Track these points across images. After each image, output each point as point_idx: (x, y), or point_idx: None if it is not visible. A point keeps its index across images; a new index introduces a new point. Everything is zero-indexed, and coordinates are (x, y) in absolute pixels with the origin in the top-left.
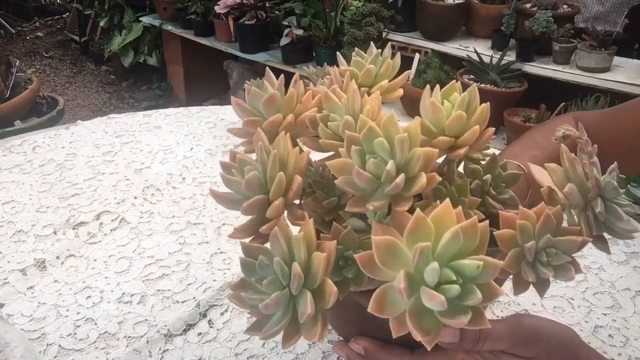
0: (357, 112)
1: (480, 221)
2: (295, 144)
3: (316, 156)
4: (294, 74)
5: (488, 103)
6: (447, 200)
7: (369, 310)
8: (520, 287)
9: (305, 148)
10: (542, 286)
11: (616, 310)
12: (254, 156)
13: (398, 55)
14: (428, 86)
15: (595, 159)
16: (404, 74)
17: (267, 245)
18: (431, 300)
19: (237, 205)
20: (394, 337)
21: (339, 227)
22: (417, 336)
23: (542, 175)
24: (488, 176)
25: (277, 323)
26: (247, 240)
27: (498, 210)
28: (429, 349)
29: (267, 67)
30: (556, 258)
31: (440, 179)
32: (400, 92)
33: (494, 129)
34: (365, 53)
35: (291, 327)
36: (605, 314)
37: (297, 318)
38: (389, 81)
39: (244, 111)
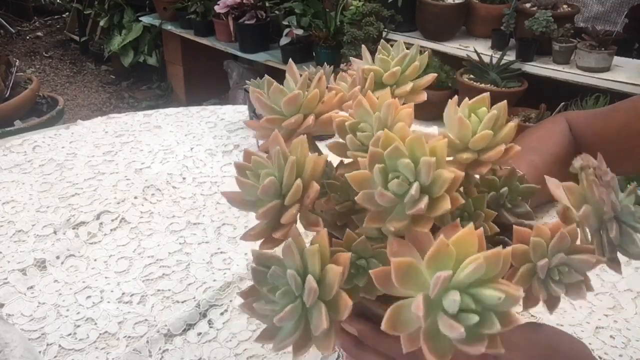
0: (388, 127)
1: (495, 243)
2: (312, 144)
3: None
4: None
5: (516, 122)
6: (471, 224)
7: (382, 328)
8: (530, 302)
9: (324, 151)
10: (552, 303)
11: (618, 311)
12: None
13: (426, 54)
14: (455, 97)
15: (615, 182)
16: (429, 76)
17: (279, 248)
18: (450, 329)
19: (251, 207)
20: (404, 352)
21: (353, 234)
22: (431, 358)
23: (558, 190)
24: (505, 189)
25: (289, 335)
26: (258, 243)
27: (512, 223)
28: None
29: (290, 61)
30: (568, 276)
31: (463, 201)
32: (424, 96)
33: (519, 148)
34: (390, 47)
35: (303, 338)
36: (606, 315)
37: (310, 329)
38: (413, 81)
39: (265, 107)
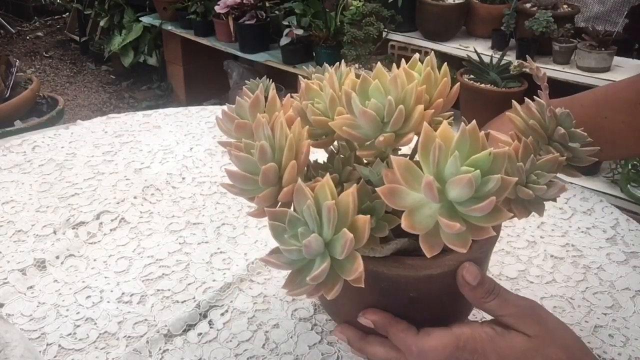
0: (338, 92)
1: None
2: None
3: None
4: (294, 74)
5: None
6: (445, 123)
7: (402, 226)
8: (520, 211)
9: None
10: (538, 206)
11: (616, 310)
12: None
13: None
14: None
15: (546, 86)
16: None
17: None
18: (460, 183)
19: (252, 183)
20: (428, 256)
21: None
22: (449, 244)
23: (501, 133)
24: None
25: (318, 266)
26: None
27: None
28: (464, 250)
29: (244, 88)
30: (542, 178)
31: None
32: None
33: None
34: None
35: (331, 273)
36: (605, 314)
37: (334, 264)
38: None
39: (230, 119)
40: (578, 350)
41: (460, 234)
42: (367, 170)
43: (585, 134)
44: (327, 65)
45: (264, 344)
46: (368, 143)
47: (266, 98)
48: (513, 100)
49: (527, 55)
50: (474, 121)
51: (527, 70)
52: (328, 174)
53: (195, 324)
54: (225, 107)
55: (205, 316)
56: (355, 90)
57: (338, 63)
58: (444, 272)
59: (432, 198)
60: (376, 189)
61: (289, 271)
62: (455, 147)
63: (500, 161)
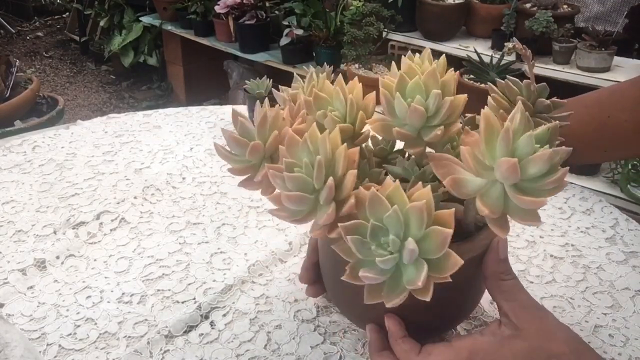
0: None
1: None
2: None
3: None
4: (293, 74)
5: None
6: (486, 108)
7: (481, 213)
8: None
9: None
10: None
11: (616, 310)
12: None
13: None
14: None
15: (533, 64)
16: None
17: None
18: (542, 159)
19: (308, 202)
20: (503, 237)
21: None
22: (521, 221)
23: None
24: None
25: (418, 269)
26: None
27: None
28: (540, 224)
29: (233, 110)
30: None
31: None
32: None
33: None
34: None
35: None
36: (605, 314)
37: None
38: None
39: (238, 142)
40: (579, 344)
41: (532, 210)
42: (400, 168)
43: (564, 101)
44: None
45: (265, 345)
46: (415, 139)
47: (267, 98)
48: (489, 83)
49: (514, 37)
50: (520, 102)
51: (517, 50)
52: (389, 177)
53: (197, 325)
54: (225, 132)
55: (206, 317)
56: (393, 90)
57: (313, 69)
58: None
59: (514, 178)
60: (443, 181)
61: (377, 281)
62: (519, 128)
63: (554, 135)
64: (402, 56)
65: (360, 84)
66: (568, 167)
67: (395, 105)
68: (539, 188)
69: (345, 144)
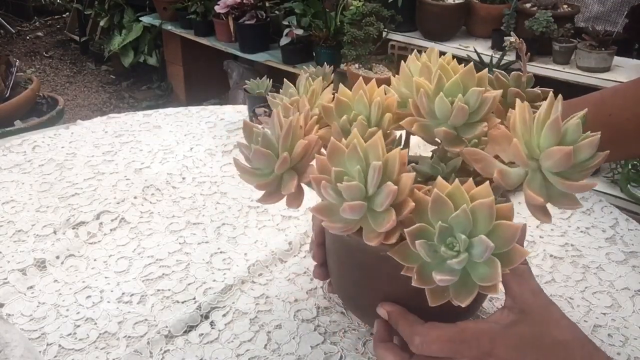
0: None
1: None
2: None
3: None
4: (294, 74)
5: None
6: (518, 100)
7: (528, 200)
8: None
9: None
10: None
11: (615, 310)
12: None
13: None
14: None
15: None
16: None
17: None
18: (590, 146)
19: (364, 210)
20: (550, 222)
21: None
22: (538, 200)
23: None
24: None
25: (490, 266)
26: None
27: None
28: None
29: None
30: None
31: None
32: None
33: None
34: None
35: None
36: (604, 314)
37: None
38: None
39: (262, 155)
40: (582, 334)
41: (572, 195)
42: (427, 166)
43: (550, 89)
44: (326, 65)
45: (266, 345)
46: (456, 138)
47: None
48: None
49: (511, 32)
50: (550, 91)
51: (514, 44)
52: (439, 176)
53: (197, 325)
54: (244, 146)
55: (206, 317)
56: (431, 92)
57: (304, 74)
58: None
59: (567, 165)
60: (488, 176)
61: (451, 282)
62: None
63: (583, 126)
64: (407, 56)
65: (382, 85)
66: (608, 151)
67: (436, 105)
68: (579, 172)
69: (399, 147)
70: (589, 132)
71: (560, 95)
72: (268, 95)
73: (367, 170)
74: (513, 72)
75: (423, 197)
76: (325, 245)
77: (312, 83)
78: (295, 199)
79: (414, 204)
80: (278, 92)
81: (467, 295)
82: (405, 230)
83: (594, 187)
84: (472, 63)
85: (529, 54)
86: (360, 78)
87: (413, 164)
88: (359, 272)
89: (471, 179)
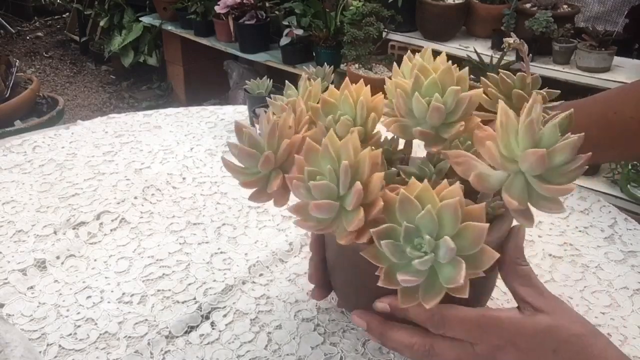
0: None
1: None
2: None
3: None
4: (294, 74)
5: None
6: (501, 102)
7: (508, 206)
8: None
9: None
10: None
11: (614, 309)
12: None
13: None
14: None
15: (529, 58)
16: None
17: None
18: (567, 147)
19: (334, 210)
20: (532, 227)
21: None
22: (546, 209)
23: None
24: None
25: (456, 267)
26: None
27: None
28: (563, 211)
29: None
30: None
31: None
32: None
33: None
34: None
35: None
36: (603, 313)
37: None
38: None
39: (247, 154)
40: (592, 326)
41: (555, 198)
42: (415, 168)
43: (558, 91)
44: (326, 65)
45: (266, 345)
46: (435, 137)
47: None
48: (482, 77)
49: (511, 33)
50: (535, 94)
51: (512, 45)
52: (413, 177)
53: (197, 325)
54: (232, 145)
55: (207, 317)
56: (408, 90)
57: (305, 75)
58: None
59: (541, 168)
60: (468, 179)
61: (415, 283)
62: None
63: (570, 123)
64: (404, 56)
65: (369, 85)
66: (590, 153)
67: (413, 105)
68: (561, 176)
69: (369, 147)
70: (583, 133)
71: (545, 94)
72: (269, 97)
73: (339, 170)
74: (518, 74)
75: (393, 197)
76: (324, 261)
77: (311, 84)
78: (282, 197)
79: (382, 203)
80: (278, 92)
81: (434, 297)
82: (371, 230)
83: (594, 188)
84: (464, 63)
85: (530, 55)
86: (347, 79)
87: (400, 166)
88: (352, 272)
89: (446, 180)
